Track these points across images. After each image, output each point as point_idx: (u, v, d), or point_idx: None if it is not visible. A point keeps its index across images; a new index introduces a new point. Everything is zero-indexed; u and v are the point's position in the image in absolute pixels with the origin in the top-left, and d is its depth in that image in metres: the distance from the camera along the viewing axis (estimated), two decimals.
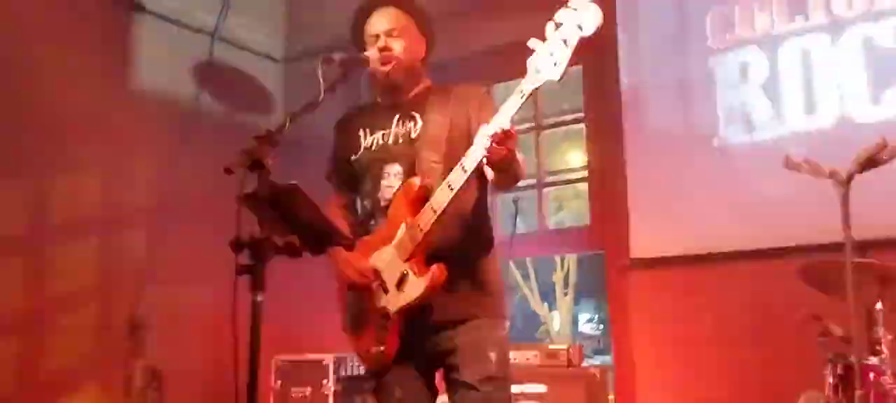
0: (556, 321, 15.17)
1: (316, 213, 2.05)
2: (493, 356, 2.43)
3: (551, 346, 4.08)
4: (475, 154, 2.23)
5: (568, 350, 4.11)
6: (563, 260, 13.03)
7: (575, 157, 5.21)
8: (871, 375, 2.82)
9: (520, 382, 3.82)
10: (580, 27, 2.07)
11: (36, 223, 4.24)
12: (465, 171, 2.27)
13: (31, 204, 4.24)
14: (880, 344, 2.86)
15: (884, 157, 2.56)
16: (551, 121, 5.29)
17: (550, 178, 5.31)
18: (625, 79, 4.70)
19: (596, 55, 4.70)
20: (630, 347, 4.59)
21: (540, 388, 3.84)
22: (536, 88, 2.15)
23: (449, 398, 2.45)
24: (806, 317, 3.10)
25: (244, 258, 1.92)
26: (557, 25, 2.11)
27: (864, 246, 3.11)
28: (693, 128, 4.46)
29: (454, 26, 4.87)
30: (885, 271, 2.87)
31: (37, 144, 4.12)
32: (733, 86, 4.35)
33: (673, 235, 4.43)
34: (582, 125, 5.09)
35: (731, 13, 4.40)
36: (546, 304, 15.56)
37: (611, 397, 4.37)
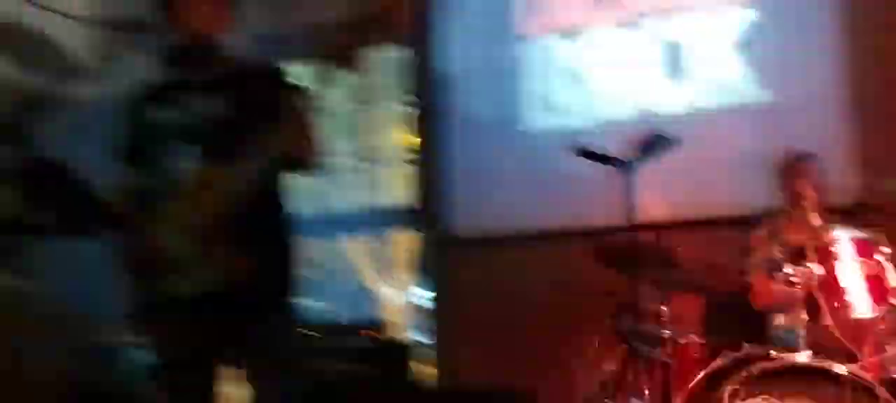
0: (392, 298, 15.30)
1: (83, 189, 1.91)
2: (286, 342, 2.38)
3: (356, 324, 4.08)
4: (266, 140, 2.15)
5: (376, 325, 4.13)
6: (398, 238, 13.12)
7: (399, 138, 5.23)
8: (657, 348, 3.04)
9: (321, 360, 3.79)
10: (376, 15, 2.04)
11: None
12: (262, 157, 2.19)
13: None
14: (663, 318, 3.06)
15: (662, 148, 2.74)
16: (375, 101, 5.26)
17: (375, 158, 5.29)
18: (444, 63, 4.78)
19: (419, 38, 4.75)
20: (450, 324, 4.70)
21: (343, 365, 3.81)
22: (331, 72, 2.09)
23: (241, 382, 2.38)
24: (601, 296, 3.28)
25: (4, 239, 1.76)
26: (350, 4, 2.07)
27: (651, 228, 3.35)
28: (504, 113, 4.62)
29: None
30: (666, 251, 3.09)
31: None
32: (541, 73, 4.54)
33: (488, 216, 4.58)
34: (406, 107, 5.11)
35: (540, 1, 4.56)
36: (381, 282, 15.69)
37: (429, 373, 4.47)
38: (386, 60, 5.21)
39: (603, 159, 2.87)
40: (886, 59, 3.93)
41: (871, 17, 3.98)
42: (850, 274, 2.66)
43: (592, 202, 3.77)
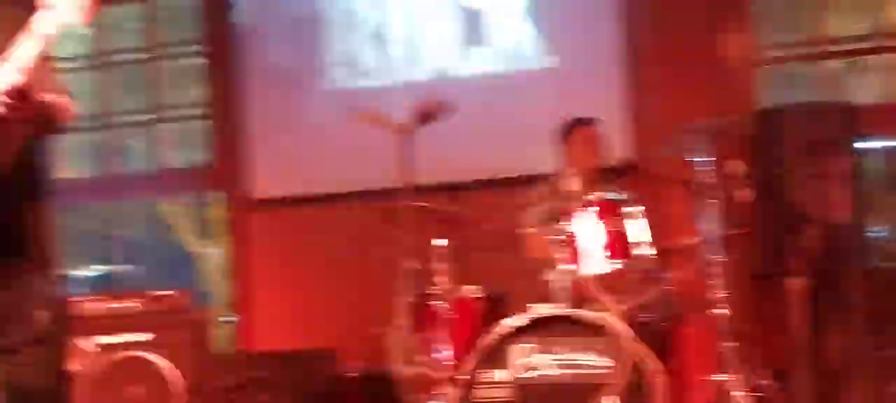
0: (211, 261, 14.78)
1: None
2: (43, 314, 2.24)
3: (157, 293, 3.92)
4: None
5: (175, 294, 4.00)
6: (224, 201, 12.69)
7: (195, 92, 5.02)
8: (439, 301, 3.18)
9: (123, 332, 3.64)
10: None
11: None
12: None
13: None
14: (437, 275, 3.20)
15: (437, 113, 2.84)
16: (167, 52, 5.02)
17: (168, 114, 5.06)
18: (242, 14, 4.63)
19: None
20: (250, 287, 4.65)
21: (144, 337, 3.68)
22: (58, 29, 1.93)
23: None
24: (386, 255, 3.35)
25: None
26: None
27: (436, 189, 3.49)
28: (305, 70, 4.57)
29: None
30: (442, 212, 3.22)
31: None
32: (343, 32, 4.53)
33: (289, 176, 4.55)
34: (201, 59, 4.92)
35: None
36: (203, 241, 15.05)
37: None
38: (174, 7, 4.98)
39: (380, 122, 2.93)
40: (663, 27, 4.25)
41: None
42: (591, 232, 2.90)
43: (382, 164, 3.83)
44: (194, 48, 4.95)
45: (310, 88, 4.55)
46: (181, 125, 5.05)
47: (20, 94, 1.92)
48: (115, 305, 3.82)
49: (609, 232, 2.89)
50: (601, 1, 4.30)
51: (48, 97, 2.05)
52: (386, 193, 3.61)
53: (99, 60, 4.98)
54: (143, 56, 4.97)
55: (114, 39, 5.04)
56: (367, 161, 4.23)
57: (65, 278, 2.37)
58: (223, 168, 4.80)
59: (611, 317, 2.78)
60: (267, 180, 4.60)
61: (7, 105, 1.91)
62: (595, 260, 2.88)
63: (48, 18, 1.92)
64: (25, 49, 1.92)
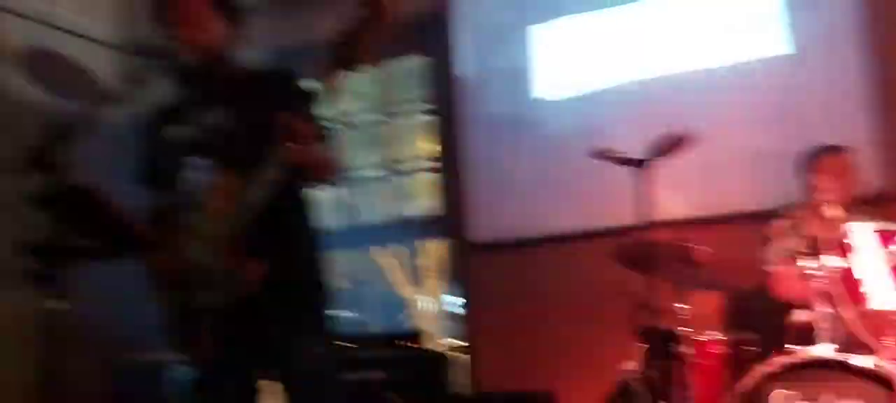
0: (423, 305, 15.31)
1: (116, 213, 1.99)
2: (320, 348, 2.42)
3: (392, 333, 4.12)
4: (283, 151, 2.19)
5: (412, 335, 4.18)
6: (427, 246, 13.20)
7: (422, 146, 5.30)
8: (680, 344, 3.06)
9: (357, 370, 3.85)
10: (376, 13, 2.03)
11: None
12: (275, 167, 2.23)
13: None
14: (684, 315, 3.08)
15: (677, 146, 2.76)
16: (397, 109, 5.33)
17: (398, 167, 5.36)
18: (462, 66, 4.82)
19: (438, 45, 4.81)
20: (472, 330, 4.75)
21: (379, 375, 3.86)
22: (343, 78, 2.12)
23: (279, 393, 2.43)
24: (623, 295, 3.29)
25: (38, 263, 1.84)
26: (354, 12, 2.05)
27: (669, 226, 3.37)
28: (522, 111, 4.65)
29: (292, 16, 4.86)
30: (684, 249, 3.11)
31: None
32: (556, 66, 4.58)
33: (512, 220, 4.61)
34: (429, 115, 5.18)
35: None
36: (412, 289, 15.69)
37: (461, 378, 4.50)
38: (405, 69, 5.29)
39: (619, 160, 2.89)
40: None
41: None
42: (871, 265, 2.66)
43: (610, 202, 3.77)
44: (422, 105, 5.23)
45: (531, 131, 4.61)
46: (412, 178, 5.34)
47: (308, 144, 2.11)
48: (351, 345, 4.05)
49: (881, 267, 2.63)
50: (846, 25, 4.01)
51: (326, 149, 2.24)
52: (616, 231, 3.57)
53: (340, 122, 5.40)
54: (378, 116, 5.28)
55: (351, 103, 5.44)
56: (594, 199, 4.22)
57: (335, 319, 2.56)
58: (451, 215, 4.98)
59: (884, 362, 2.51)
60: (492, 224, 4.69)
61: (297, 154, 2.12)
62: (866, 296, 2.63)
63: (334, 71, 2.09)
64: (315, 102, 2.12)
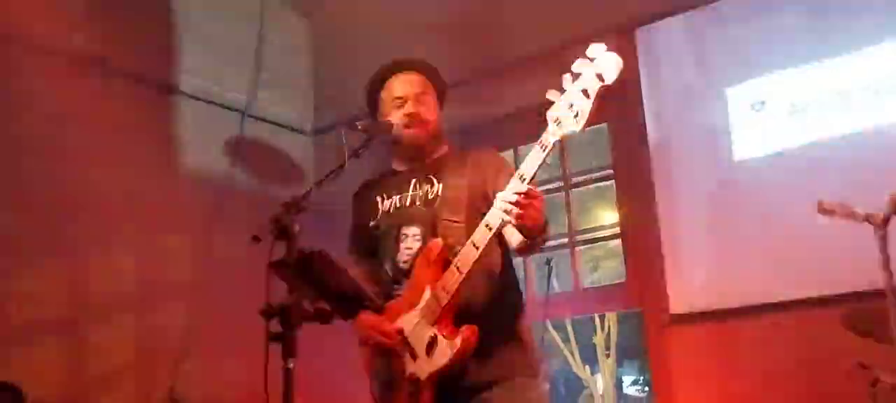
0: (600, 384, 14.78)
1: (344, 277, 2.06)
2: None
3: None
4: (498, 212, 2.20)
5: None
6: (603, 321, 12.86)
7: (607, 214, 5.18)
8: None
9: None
10: (600, 77, 2.04)
11: (74, 303, 4.29)
12: (490, 229, 2.24)
13: (69, 284, 4.29)
14: None
15: None
16: (581, 178, 5.27)
17: (583, 237, 5.26)
18: (651, 130, 4.70)
19: (621, 107, 4.73)
20: None
21: None
22: (558, 141, 2.12)
23: None
24: (854, 368, 3.00)
25: (275, 325, 1.93)
26: (575, 76, 2.08)
27: None
28: (720, 175, 4.42)
29: (477, 89, 4.97)
30: None
31: (73, 226, 4.19)
32: (755, 124, 4.34)
33: (710, 288, 4.35)
34: (612, 182, 5.07)
35: (746, 45, 4.39)
36: (588, 367, 15.17)
37: None
38: (590, 135, 5.23)
39: (853, 216, 2.65)
40: None
41: None
42: None
43: (835, 264, 3.46)
44: (605, 173, 5.15)
45: (727, 193, 4.37)
46: (596, 247, 5.21)
47: (528, 194, 2.12)
48: None
49: None
50: None
51: (541, 207, 2.23)
52: (839, 298, 3.27)
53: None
54: (560, 183, 5.24)
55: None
56: (809, 263, 3.89)
57: (544, 383, 2.51)
58: (639, 285, 4.78)
59: None
60: (687, 294, 4.45)
61: (512, 213, 2.13)
62: None
63: (555, 130, 2.10)
64: (534, 157, 2.13)
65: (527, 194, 2.14)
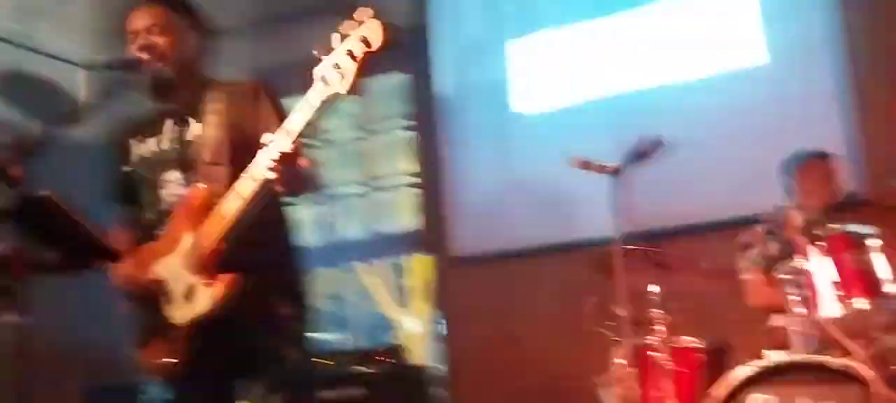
0: (410, 324, 15.23)
1: (77, 225, 1.97)
2: (294, 356, 2.41)
3: (372, 350, 4.09)
4: (261, 166, 2.17)
5: (392, 351, 4.15)
6: (414, 263, 13.17)
7: (403, 162, 5.30)
8: (658, 352, 3.05)
9: (336, 387, 3.81)
10: (365, 42, 2.00)
11: None
12: (254, 181, 2.21)
13: None
14: (655, 324, 3.08)
15: (648, 152, 2.78)
16: (377, 126, 5.33)
17: (378, 184, 5.35)
18: (440, 82, 4.84)
19: (417, 62, 4.83)
20: (457, 344, 4.73)
21: (359, 392, 3.83)
22: (326, 100, 2.11)
23: None
24: (595, 305, 3.28)
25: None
26: (343, 37, 2.04)
27: (649, 235, 3.39)
28: (501, 126, 4.66)
29: (275, 32, 4.87)
30: (656, 256, 3.11)
31: None
32: (534, 80, 4.60)
33: (491, 233, 4.61)
34: (407, 131, 5.19)
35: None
36: (400, 308, 15.59)
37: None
38: (385, 86, 5.30)
39: (596, 168, 2.90)
40: (890, 57, 3.96)
41: (875, 16, 4.01)
42: (841, 269, 2.66)
43: (589, 213, 3.77)
44: (403, 122, 5.24)
45: (509, 144, 4.61)
46: (392, 194, 5.34)
47: (288, 160, 2.11)
48: (330, 362, 4.01)
49: (853, 270, 2.64)
50: (821, 32, 4.05)
51: (305, 165, 2.23)
52: (595, 243, 3.56)
53: (320, 138, 5.39)
54: (359, 133, 5.28)
55: (331, 120, 5.44)
56: (572, 211, 4.22)
57: (313, 335, 2.55)
58: (429, 231, 4.96)
59: (857, 364, 2.51)
60: (473, 239, 4.68)
61: (276, 170, 2.11)
62: (834, 300, 2.63)
63: (322, 90, 2.08)
64: (298, 117, 2.11)
65: (291, 154, 2.12)
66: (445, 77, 4.86)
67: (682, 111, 4.17)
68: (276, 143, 2.12)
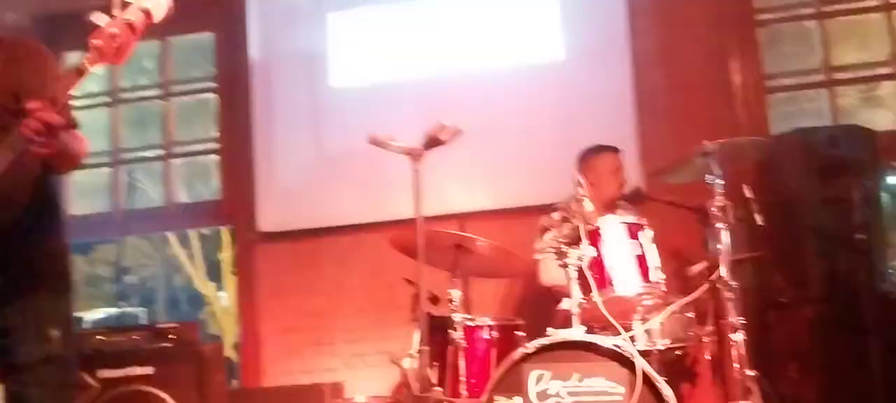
0: (225, 300, 14.68)
1: None
2: (55, 334, 2.26)
3: (160, 325, 3.90)
4: (23, 134, 1.99)
5: (179, 328, 3.97)
6: (232, 236, 12.70)
7: (209, 129, 5.07)
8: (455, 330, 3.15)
9: (123, 365, 3.61)
10: (147, 13, 1.93)
11: None
12: (13, 151, 2.03)
13: None
14: (459, 302, 3.18)
15: (443, 138, 2.85)
16: (180, 89, 5.07)
17: (179, 150, 5.08)
18: (254, 47, 4.68)
19: (228, 19, 4.64)
20: (257, 321, 4.63)
21: (146, 370, 3.64)
22: (94, 69, 1.98)
23: (3, 382, 2.23)
24: (403, 282, 3.33)
25: None
26: (125, 5, 1.95)
27: (451, 217, 3.50)
28: (316, 99, 4.59)
29: None
30: (455, 240, 3.21)
31: None
32: (352, 52, 4.57)
33: (299, 209, 4.54)
34: (214, 94, 4.96)
35: None
36: (213, 283, 14.96)
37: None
38: (192, 46, 5.05)
39: (393, 148, 2.94)
40: (671, 63, 4.32)
41: (660, 23, 4.34)
42: (619, 255, 2.89)
43: (395, 193, 3.81)
44: (207, 85, 5.00)
45: (319, 120, 4.56)
46: (193, 161, 5.09)
47: (51, 130, 1.96)
48: (118, 338, 3.81)
49: (629, 258, 2.88)
50: (614, 33, 4.33)
51: (67, 134, 2.08)
52: (397, 223, 3.63)
53: (113, 97, 5.04)
54: (157, 93, 5.00)
55: (128, 76, 5.10)
56: (378, 192, 4.25)
57: (75, 300, 2.40)
58: (233, 202, 4.81)
59: (626, 343, 2.75)
60: (275, 213, 4.59)
61: (39, 141, 1.95)
62: (610, 285, 2.86)
63: (91, 58, 1.95)
64: (64, 87, 1.96)
65: (55, 124, 1.96)
66: (259, 42, 4.69)
67: (485, 98, 4.33)
68: (39, 111, 1.96)
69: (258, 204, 4.59)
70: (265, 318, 4.62)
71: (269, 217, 4.59)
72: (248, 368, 4.62)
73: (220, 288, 15.18)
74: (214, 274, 15.00)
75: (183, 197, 5.22)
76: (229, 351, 5.52)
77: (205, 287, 15.10)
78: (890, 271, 3.90)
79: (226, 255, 14.27)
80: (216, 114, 4.96)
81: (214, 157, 4.98)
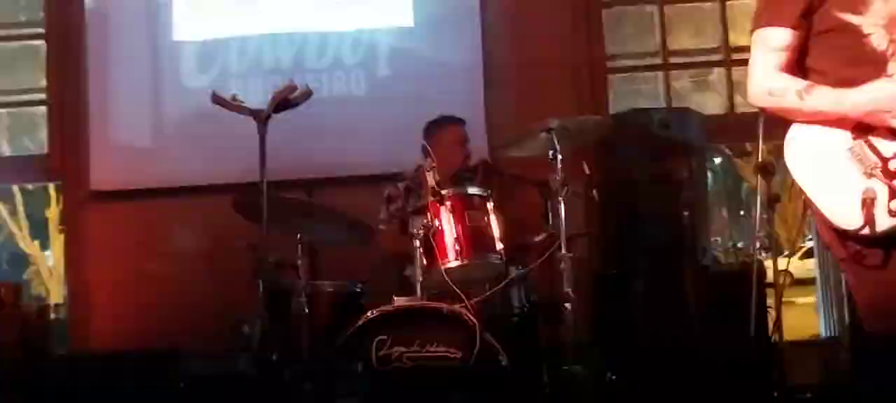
0: (51, 260, 13.78)
1: None
2: None
3: None
4: None
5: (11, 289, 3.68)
6: (60, 193, 11.91)
7: (34, 78, 4.67)
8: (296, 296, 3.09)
9: None
10: None
11: None
12: None
13: None
14: (298, 268, 3.12)
15: (294, 99, 2.78)
16: (3, 33, 4.65)
17: (2, 99, 4.66)
18: None
19: None
20: (87, 283, 4.36)
21: None
22: None
23: None
24: (245, 248, 3.23)
25: None
26: None
27: (291, 183, 3.43)
28: (156, 53, 4.36)
29: None
30: (298, 205, 3.16)
31: None
32: (199, 7, 4.36)
33: (136, 167, 4.30)
34: (42, 42, 4.57)
35: None
36: (38, 242, 13.98)
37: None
38: None
39: (238, 109, 2.83)
40: (519, 37, 4.40)
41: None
42: (461, 225, 2.94)
43: (237, 154, 3.69)
44: (34, 30, 4.61)
45: (159, 77, 4.32)
46: (17, 111, 4.69)
47: None
48: None
49: (468, 227, 2.93)
50: (464, 3, 4.36)
51: None
52: (240, 186, 3.51)
53: None
54: None
55: None
56: (220, 153, 4.10)
57: None
58: (61, 158, 4.48)
59: (465, 310, 2.81)
60: (110, 171, 4.33)
61: None
62: (453, 254, 2.90)
63: None
64: None
65: None
66: None
67: (335, 60, 4.27)
68: None
69: (92, 160, 4.30)
70: (96, 280, 4.36)
71: (103, 174, 4.31)
72: (77, 332, 4.35)
73: (45, 247, 14.22)
74: (40, 232, 14.03)
75: (5, 149, 4.80)
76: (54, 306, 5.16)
77: (29, 246, 14.10)
78: (711, 247, 4.23)
79: (53, 213, 13.36)
80: (45, 63, 4.57)
81: (42, 109, 4.60)
